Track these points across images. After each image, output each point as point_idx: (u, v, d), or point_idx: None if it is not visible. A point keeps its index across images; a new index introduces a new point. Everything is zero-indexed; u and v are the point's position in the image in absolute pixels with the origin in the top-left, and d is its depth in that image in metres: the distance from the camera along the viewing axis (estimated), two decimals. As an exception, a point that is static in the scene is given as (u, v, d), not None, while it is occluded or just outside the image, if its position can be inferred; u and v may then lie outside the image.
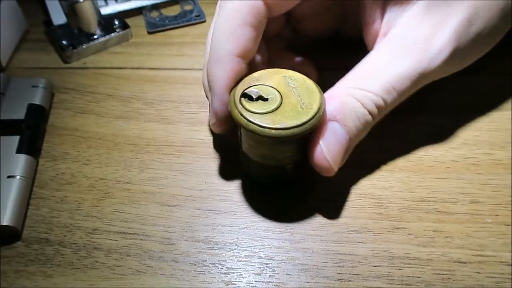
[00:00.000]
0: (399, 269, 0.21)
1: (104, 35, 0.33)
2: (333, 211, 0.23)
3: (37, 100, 0.28)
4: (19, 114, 0.27)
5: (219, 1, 0.23)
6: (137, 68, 0.32)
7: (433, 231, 0.22)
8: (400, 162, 0.25)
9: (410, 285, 0.20)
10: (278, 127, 0.19)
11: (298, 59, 0.27)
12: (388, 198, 0.23)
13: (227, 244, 0.22)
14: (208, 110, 0.26)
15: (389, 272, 0.20)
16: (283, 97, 0.20)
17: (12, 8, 0.33)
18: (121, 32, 0.34)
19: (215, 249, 0.22)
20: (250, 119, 0.19)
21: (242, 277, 0.21)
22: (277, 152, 0.21)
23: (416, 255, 0.21)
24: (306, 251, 0.21)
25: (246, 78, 0.21)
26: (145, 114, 0.28)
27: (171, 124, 0.28)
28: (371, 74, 0.21)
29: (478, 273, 0.20)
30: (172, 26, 0.35)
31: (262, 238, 0.22)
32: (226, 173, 0.25)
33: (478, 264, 0.21)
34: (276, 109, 0.20)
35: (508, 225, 0.22)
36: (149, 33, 0.35)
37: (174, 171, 0.25)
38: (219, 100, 0.21)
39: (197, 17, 0.36)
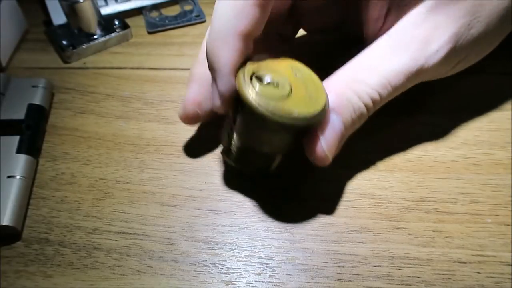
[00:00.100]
0: (399, 269, 0.21)
1: (104, 35, 0.33)
2: (333, 211, 0.23)
3: (37, 100, 0.28)
4: (19, 114, 0.27)
5: None
6: (137, 68, 0.32)
7: (433, 231, 0.22)
8: (400, 162, 0.25)
9: (410, 285, 0.20)
10: (292, 115, 0.18)
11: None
12: (388, 198, 0.23)
13: (227, 244, 0.22)
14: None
15: (389, 272, 0.20)
16: (292, 87, 0.20)
17: (12, 8, 0.33)
18: (121, 32, 0.34)
19: (215, 249, 0.22)
20: (261, 103, 0.18)
21: (242, 277, 0.21)
22: (276, 139, 0.20)
23: (416, 255, 0.21)
24: (306, 251, 0.21)
25: (254, 60, 0.21)
26: (145, 114, 0.28)
27: (171, 124, 0.28)
28: (369, 68, 0.21)
29: (478, 273, 0.20)
30: (172, 26, 0.35)
31: (262, 238, 0.22)
32: (226, 173, 0.25)
33: (478, 264, 0.21)
34: (287, 97, 0.19)
35: (508, 225, 0.22)
36: (149, 33, 0.35)
37: (174, 171, 0.25)
38: (226, 82, 0.20)
39: (197, 17, 0.36)
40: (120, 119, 0.28)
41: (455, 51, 0.21)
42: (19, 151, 0.25)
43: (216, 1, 0.23)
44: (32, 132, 0.26)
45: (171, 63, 0.32)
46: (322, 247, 0.21)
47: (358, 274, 0.20)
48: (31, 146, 0.25)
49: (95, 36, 0.33)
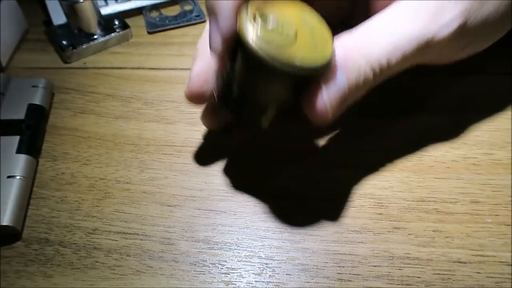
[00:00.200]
0: (399, 269, 0.21)
1: (104, 35, 0.33)
2: (333, 211, 0.23)
3: (37, 100, 0.28)
4: (19, 114, 0.27)
5: None
6: (137, 68, 0.32)
7: (433, 231, 0.22)
8: (400, 162, 0.25)
9: (410, 285, 0.20)
10: (294, 63, 0.17)
11: None
12: (388, 198, 0.23)
13: (227, 244, 0.22)
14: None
15: (389, 272, 0.20)
16: (298, 33, 0.18)
17: (12, 8, 0.33)
18: (121, 32, 0.34)
19: (215, 249, 0.22)
20: (262, 47, 0.17)
21: (242, 277, 0.21)
22: (273, 89, 0.19)
23: (416, 255, 0.21)
24: (306, 251, 0.21)
25: None
26: (145, 114, 0.28)
27: (171, 124, 0.28)
28: (380, 33, 0.21)
29: (478, 273, 0.20)
30: (172, 26, 0.35)
31: (262, 238, 0.22)
32: (226, 173, 0.25)
33: (478, 264, 0.21)
34: (291, 42, 0.18)
35: (508, 225, 0.22)
36: (149, 33, 0.35)
37: (174, 171, 0.25)
38: (227, 19, 0.19)
39: (197, 17, 0.36)
40: (120, 119, 0.28)
41: (465, 29, 0.21)
42: (19, 151, 0.25)
43: None
44: (32, 132, 0.26)
45: (171, 63, 0.32)
46: (322, 247, 0.21)
47: (358, 274, 0.20)
48: (31, 146, 0.25)
49: (95, 36, 0.33)
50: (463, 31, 0.21)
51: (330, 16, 0.28)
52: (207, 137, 0.27)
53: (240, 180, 0.24)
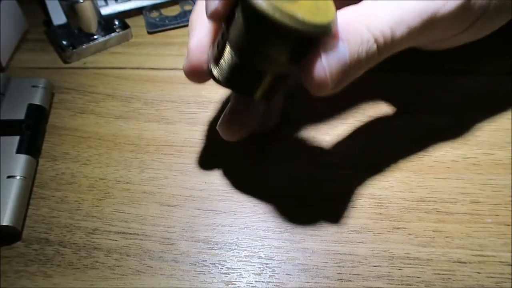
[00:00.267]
0: (399, 269, 0.21)
1: (104, 35, 0.33)
2: (333, 211, 0.23)
3: (37, 100, 0.28)
4: (19, 114, 0.27)
5: None
6: (137, 68, 0.32)
7: (433, 231, 0.22)
8: (400, 162, 0.25)
9: (410, 285, 0.20)
10: (296, 17, 0.16)
11: None
12: (388, 198, 0.23)
13: (227, 244, 0.22)
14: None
15: (389, 272, 0.20)
16: None
17: (12, 8, 0.33)
18: (121, 32, 0.34)
19: (215, 249, 0.22)
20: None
21: (242, 277, 0.21)
22: (271, 51, 0.18)
23: (416, 255, 0.21)
24: (306, 251, 0.21)
25: None
26: (145, 114, 0.28)
27: (171, 124, 0.28)
28: (383, 4, 0.20)
29: (478, 273, 0.20)
30: (172, 26, 0.35)
31: (262, 238, 0.22)
32: (226, 173, 0.25)
33: (478, 264, 0.21)
34: (293, 1, 0.17)
35: (508, 225, 0.22)
36: (149, 33, 0.35)
37: (174, 171, 0.25)
38: None
39: (197, 17, 0.36)
40: (120, 119, 0.28)
41: (469, 6, 0.21)
42: (19, 151, 0.25)
43: None
44: (32, 132, 0.26)
45: (171, 63, 0.32)
46: (322, 247, 0.21)
47: (358, 274, 0.20)
48: (31, 146, 0.25)
49: (95, 36, 0.33)
50: (467, 8, 0.21)
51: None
52: (207, 137, 0.27)
53: (240, 180, 0.24)
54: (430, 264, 0.21)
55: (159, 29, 0.35)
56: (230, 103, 0.23)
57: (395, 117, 0.27)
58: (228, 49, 0.19)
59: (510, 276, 0.20)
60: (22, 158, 0.25)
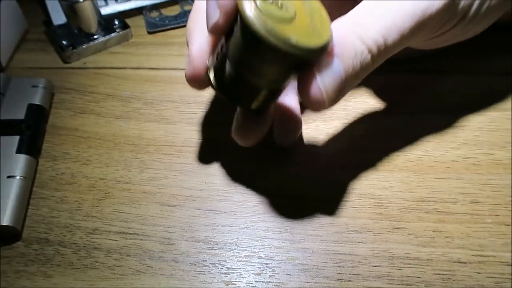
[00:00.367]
0: (399, 269, 0.21)
1: (104, 35, 0.33)
2: (333, 211, 0.23)
3: (37, 100, 0.28)
4: (19, 114, 0.27)
5: None
6: (137, 68, 0.32)
7: (433, 231, 0.22)
8: (400, 162, 0.25)
9: (410, 285, 0.20)
10: (289, 41, 0.17)
11: None
12: (388, 198, 0.23)
13: (227, 244, 0.22)
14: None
15: (389, 272, 0.20)
16: (297, 13, 0.18)
17: (12, 8, 0.33)
18: (121, 32, 0.34)
19: (215, 249, 0.22)
20: (259, 20, 0.17)
21: (242, 277, 0.21)
22: (266, 69, 0.19)
23: (416, 255, 0.21)
24: (306, 251, 0.21)
25: None
26: (145, 114, 0.28)
27: (171, 124, 0.28)
28: (373, 11, 0.20)
29: (478, 273, 0.20)
30: (172, 26, 0.35)
31: (262, 238, 0.22)
32: (226, 173, 0.25)
33: (478, 264, 0.21)
34: (289, 21, 0.17)
35: (508, 225, 0.22)
36: (149, 33, 0.35)
37: (174, 171, 0.25)
38: None
39: (197, 17, 0.36)
40: (120, 119, 0.28)
41: (453, 4, 0.21)
42: (19, 151, 0.25)
43: None
44: (32, 132, 0.26)
45: (171, 63, 0.32)
46: (322, 247, 0.21)
47: (358, 274, 0.20)
48: (31, 146, 0.25)
49: (95, 36, 0.33)
50: (452, 6, 0.21)
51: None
52: (207, 137, 0.27)
53: (240, 180, 0.24)
54: (430, 264, 0.21)
55: (159, 29, 0.35)
56: (238, 109, 0.23)
57: (395, 117, 0.27)
58: (227, 62, 0.19)
59: (510, 276, 0.20)
60: (22, 158, 0.25)
